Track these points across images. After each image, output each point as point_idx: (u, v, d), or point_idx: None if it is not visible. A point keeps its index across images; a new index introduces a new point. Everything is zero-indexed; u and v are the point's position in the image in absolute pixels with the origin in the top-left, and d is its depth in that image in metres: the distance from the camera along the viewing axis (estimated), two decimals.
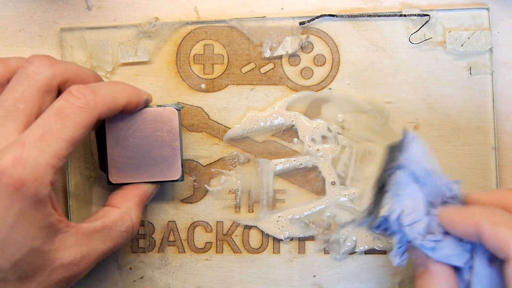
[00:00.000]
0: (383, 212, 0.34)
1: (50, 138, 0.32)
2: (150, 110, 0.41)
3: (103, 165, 0.42)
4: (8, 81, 0.35)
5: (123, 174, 0.41)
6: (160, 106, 0.41)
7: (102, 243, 0.36)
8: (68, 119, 0.33)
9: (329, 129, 0.44)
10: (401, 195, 0.35)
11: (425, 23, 0.44)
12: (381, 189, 0.36)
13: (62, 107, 0.33)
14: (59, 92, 0.36)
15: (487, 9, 0.44)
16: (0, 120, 0.33)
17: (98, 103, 0.35)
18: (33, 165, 0.31)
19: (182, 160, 0.41)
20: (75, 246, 0.35)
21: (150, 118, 0.41)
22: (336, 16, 0.44)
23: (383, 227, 0.35)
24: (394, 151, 0.36)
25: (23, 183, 0.31)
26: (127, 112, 0.39)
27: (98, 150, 0.42)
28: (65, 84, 0.36)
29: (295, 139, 0.45)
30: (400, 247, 0.35)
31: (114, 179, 0.41)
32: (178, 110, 0.41)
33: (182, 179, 0.41)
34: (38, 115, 0.34)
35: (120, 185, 0.41)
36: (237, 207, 0.45)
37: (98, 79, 0.40)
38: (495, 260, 0.32)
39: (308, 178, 0.45)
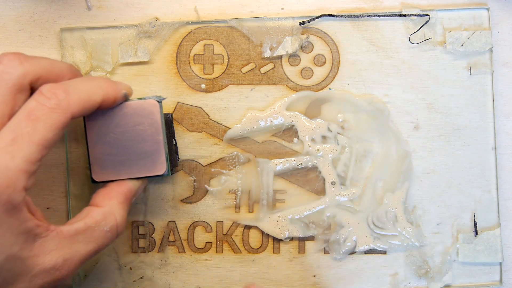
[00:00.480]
0: None
1: (21, 142, 0.31)
2: (130, 103, 0.39)
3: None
4: None
5: (107, 172, 0.40)
6: (140, 99, 0.40)
7: (85, 245, 0.35)
8: (39, 121, 0.32)
9: (329, 129, 0.44)
10: None
11: (425, 23, 0.44)
12: None
13: (32, 109, 0.32)
14: (32, 90, 0.35)
15: (487, 9, 0.44)
16: None
17: (70, 103, 0.33)
18: (3, 171, 0.30)
19: (166, 154, 0.40)
20: (56, 251, 0.33)
21: (131, 112, 0.39)
22: (336, 16, 0.44)
23: None
24: None
25: None
26: (105, 108, 0.38)
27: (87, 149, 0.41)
28: (38, 82, 0.35)
29: (295, 139, 0.45)
30: None
31: (97, 177, 0.40)
32: (160, 102, 0.40)
33: (168, 173, 0.40)
34: (10, 116, 0.33)
35: (104, 183, 0.40)
36: (237, 207, 0.45)
37: (75, 73, 0.38)
38: None
39: (308, 178, 0.45)
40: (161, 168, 0.40)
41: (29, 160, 0.31)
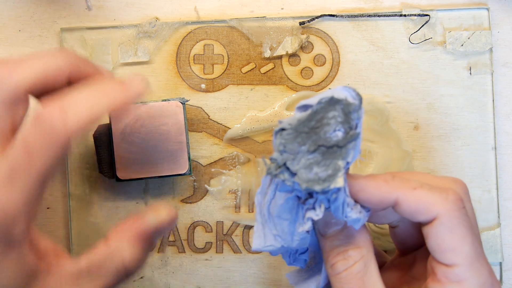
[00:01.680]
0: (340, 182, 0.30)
1: (18, 175, 0.29)
2: (155, 104, 0.41)
3: (102, 168, 0.42)
4: None
5: (130, 170, 0.41)
6: (164, 100, 0.41)
7: (89, 284, 0.32)
8: (35, 151, 0.29)
9: None
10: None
11: (425, 23, 0.44)
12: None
13: (27, 136, 0.29)
14: (36, 96, 0.32)
15: (487, 9, 0.44)
16: None
17: (68, 125, 0.29)
18: (0, 206, 0.29)
19: (189, 153, 0.42)
20: None
21: (155, 113, 0.41)
22: (336, 16, 0.44)
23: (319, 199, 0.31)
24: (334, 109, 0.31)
25: None
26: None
27: (97, 153, 0.42)
28: (36, 88, 0.32)
29: None
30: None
31: (121, 175, 0.41)
32: (183, 103, 0.41)
33: (189, 172, 0.42)
34: (13, 131, 0.31)
35: (128, 181, 0.41)
36: (237, 207, 0.45)
37: (77, 64, 0.33)
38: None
39: None
40: (184, 167, 0.41)
41: (28, 194, 0.29)
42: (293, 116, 0.32)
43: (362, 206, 0.32)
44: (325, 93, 0.32)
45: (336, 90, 0.32)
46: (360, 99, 0.31)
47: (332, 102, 0.31)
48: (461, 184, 0.33)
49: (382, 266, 0.37)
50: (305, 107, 0.32)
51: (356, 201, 0.32)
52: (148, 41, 0.45)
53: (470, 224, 0.31)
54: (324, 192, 0.30)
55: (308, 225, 0.31)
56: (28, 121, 0.30)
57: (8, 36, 0.45)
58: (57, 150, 0.29)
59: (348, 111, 0.31)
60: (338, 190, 0.30)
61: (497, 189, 0.44)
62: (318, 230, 0.33)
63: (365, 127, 0.44)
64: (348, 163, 0.30)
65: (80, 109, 0.30)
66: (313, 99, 0.31)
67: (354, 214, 0.31)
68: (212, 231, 0.45)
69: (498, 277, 0.44)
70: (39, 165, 0.29)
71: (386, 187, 0.31)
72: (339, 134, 0.31)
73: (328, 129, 0.31)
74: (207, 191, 0.45)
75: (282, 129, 0.31)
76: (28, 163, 0.29)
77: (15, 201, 0.29)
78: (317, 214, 0.31)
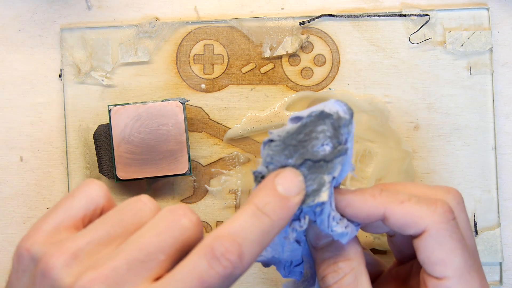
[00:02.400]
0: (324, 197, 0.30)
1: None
2: (155, 104, 0.41)
3: (102, 168, 0.42)
4: None
5: (131, 170, 0.41)
6: (164, 100, 0.41)
7: None
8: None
9: None
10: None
11: (425, 23, 0.44)
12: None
13: (204, 274, 0.27)
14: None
15: (487, 9, 0.44)
16: (137, 265, 0.28)
17: (244, 264, 0.28)
18: None
19: (189, 153, 0.42)
20: None
21: (155, 113, 0.41)
22: (336, 16, 0.44)
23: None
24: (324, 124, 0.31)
25: None
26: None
27: (97, 153, 0.43)
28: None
29: None
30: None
31: (121, 175, 0.41)
32: (183, 103, 0.41)
33: (190, 172, 0.42)
34: (168, 269, 0.29)
35: (128, 181, 0.42)
36: (237, 207, 0.45)
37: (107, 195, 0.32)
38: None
39: None
40: (184, 167, 0.42)
41: None
42: (284, 127, 0.31)
43: (351, 221, 0.32)
44: (317, 106, 0.31)
45: (328, 103, 0.31)
46: (351, 114, 0.31)
47: (322, 116, 0.31)
48: (454, 194, 0.33)
49: (379, 275, 0.37)
50: (297, 119, 0.32)
51: (343, 216, 0.32)
52: (148, 41, 0.45)
53: (460, 236, 0.31)
54: (308, 205, 0.30)
55: (293, 235, 0.31)
56: (202, 253, 0.28)
57: (8, 36, 0.45)
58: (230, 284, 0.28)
59: (338, 125, 0.31)
60: (323, 203, 0.30)
61: (497, 189, 0.44)
62: (309, 242, 0.33)
63: (365, 127, 0.44)
64: (334, 177, 0.30)
65: (253, 248, 0.28)
66: (305, 112, 0.31)
67: (340, 228, 0.31)
68: (212, 231, 0.45)
69: (498, 277, 0.44)
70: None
71: (373, 202, 0.31)
72: (327, 149, 0.31)
73: (316, 143, 0.31)
74: (207, 191, 0.45)
75: (271, 140, 0.31)
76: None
77: None
78: (301, 225, 0.31)
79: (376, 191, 0.31)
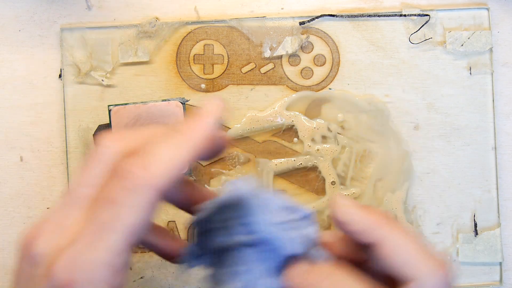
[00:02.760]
0: None
1: (102, 231, 0.27)
2: (155, 104, 0.41)
3: None
4: None
5: None
6: (164, 100, 0.42)
7: None
8: (119, 205, 0.27)
9: (329, 129, 0.44)
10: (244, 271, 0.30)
11: (425, 23, 0.44)
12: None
13: (110, 191, 0.28)
14: None
15: (487, 9, 0.44)
16: (65, 209, 0.28)
17: (152, 178, 0.27)
18: (84, 265, 0.27)
19: None
20: None
21: (155, 113, 0.41)
22: (336, 16, 0.44)
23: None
24: (226, 212, 0.30)
25: (74, 286, 0.27)
26: (208, 156, 0.32)
27: None
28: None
29: (295, 139, 0.45)
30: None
31: None
32: (183, 103, 0.42)
33: (189, 172, 0.42)
34: None
35: None
36: None
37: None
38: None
39: (308, 178, 0.45)
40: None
41: (113, 251, 0.27)
42: (209, 204, 0.30)
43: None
44: (231, 188, 0.30)
45: (238, 185, 0.30)
46: (259, 196, 0.29)
47: (228, 202, 0.29)
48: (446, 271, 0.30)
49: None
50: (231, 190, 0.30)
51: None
52: (148, 41, 0.45)
53: None
54: None
55: None
56: (106, 175, 0.28)
57: (8, 36, 0.45)
58: (144, 204, 0.27)
59: (244, 213, 0.29)
60: None
61: (497, 189, 0.44)
62: None
63: (365, 127, 0.44)
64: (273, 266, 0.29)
65: (162, 162, 0.28)
66: (232, 188, 0.30)
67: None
68: None
69: (498, 277, 0.44)
70: (125, 219, 0.27)
71: (377, 228, 0.29)
72: (242, 238, 0.29)
73: (224, 231, 0.29)
74: None
75: (198, 221, 0.30)
76: (112, 216, 0.27)
77: (99, 257, 0.27)
78: None
79: (380, 217, 0.30)
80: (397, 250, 0.28)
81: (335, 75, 0.45)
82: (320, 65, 0.45)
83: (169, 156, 0.28)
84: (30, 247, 0.28)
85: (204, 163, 0.45)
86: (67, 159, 0.44)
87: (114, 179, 0.28)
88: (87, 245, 0.27)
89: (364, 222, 0.29)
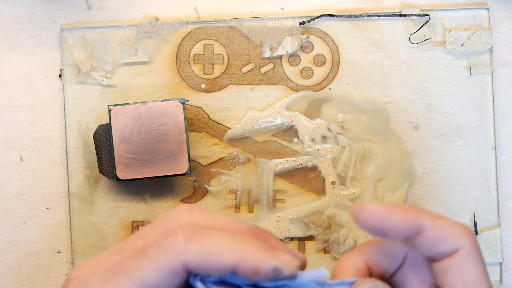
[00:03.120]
0: None
1: (119, 273, 0.27)
2: (155, 104, 0.41)
3: (102, 168, 0.42)
4: None
5: (130, 170, 0.41)
6: (164, 100, 0.42)
7: None
8: (146, 257, 0.27)
9: (329, 129, 0.44)
10: None
11: (425, 23, 0.44)
12: None
13: (146, 241, 0.28)
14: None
15: (487, 9, 0.44)
16: (114, 250, 0.29)
17: (188, 250, 0.27)
18: None
19: (189, 153, 0.42)
20: None
21: (155, 113, 0.41)
22: (336, 16, 0.44)
23: None
24: None
25: None
26: (243, 275, 0.29)
27: (97, 153, 0.43)
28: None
29: (295, 139, 0.45)
30: None
31: (121, 175, 0.41)
32: (183, 103, 0.42)
33: (190, 172, 0.42)
34: None
35: (128, 181, 0.42)
36: (237, 207, 0.45)
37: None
38: None
39: (308, 178, 0.45)
40: (184, 167, 0.42)
41: None
42: None
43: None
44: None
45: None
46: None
47: None
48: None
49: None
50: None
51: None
52: (148, 41, 0.45)
53: (484, 260, 0.30)
54: None
55: None
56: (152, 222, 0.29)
57: (8, 36, 0.45)
58: (167, 267, 0.27)
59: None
60: None
61: (497, 189, 0.44)
62: None
63: (365, 127, 0.44)
64: None
65: (206, 245, 0.27)
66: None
67: None
68: None
69: (498, 277, 0.44)
70: (143, 272, 0.27)
71: (412, 212, 0.29)
72: None
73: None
74: (207, 191, 0.45)
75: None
76: (134, 264, 0.27)
77: None
78: None
79: (406, 206, 0.31)
80: (438, 229, 0.29)
81: (335, 75, 0.45)
82: (320, 65, 0.45)
83: (215, 246, 0.27)
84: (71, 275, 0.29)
85: (204, 163, 0.45)
86: (67, 159, 0.44)
87: (160, 234, 0.28)
88: (100, 281, 0.27)
89: (403, 215, 0.29)
